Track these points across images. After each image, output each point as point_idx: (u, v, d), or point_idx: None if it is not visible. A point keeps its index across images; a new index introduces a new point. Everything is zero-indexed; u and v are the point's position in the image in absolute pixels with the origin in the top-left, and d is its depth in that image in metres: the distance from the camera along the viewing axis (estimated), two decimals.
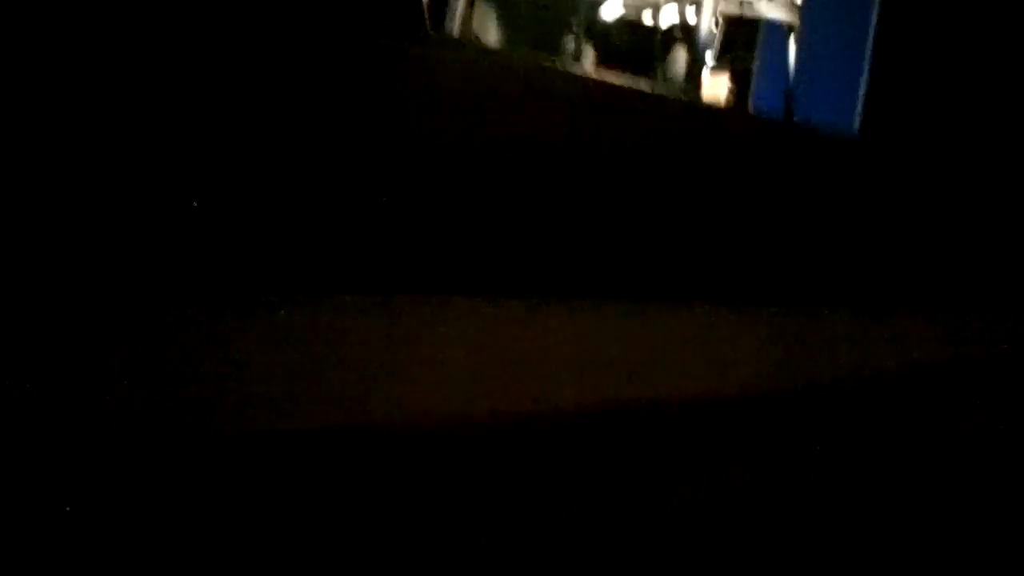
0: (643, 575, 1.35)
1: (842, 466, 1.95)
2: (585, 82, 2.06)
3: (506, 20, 4.19)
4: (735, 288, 2.19)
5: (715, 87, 3.77)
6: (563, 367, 1.90)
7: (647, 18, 3.82)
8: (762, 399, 2.17)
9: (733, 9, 3.63)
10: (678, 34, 3.80)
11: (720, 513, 1.58)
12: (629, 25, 3.91)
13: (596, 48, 3.90)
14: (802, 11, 3.56)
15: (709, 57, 3.68)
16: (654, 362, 2.11)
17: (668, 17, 3.76)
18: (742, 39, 4.32)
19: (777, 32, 3.81)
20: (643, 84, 3.64)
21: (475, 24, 3.93)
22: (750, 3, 3.59)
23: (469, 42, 3.61)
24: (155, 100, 1.50)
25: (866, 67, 3.44)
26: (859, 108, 3.38)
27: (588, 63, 3.76)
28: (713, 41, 3.70)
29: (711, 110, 2.70)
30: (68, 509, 1.12)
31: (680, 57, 3.73)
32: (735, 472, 1.80)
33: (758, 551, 1.44)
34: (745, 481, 1.75)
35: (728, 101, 3.82)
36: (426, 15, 3.15)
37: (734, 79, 4.08)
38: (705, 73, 3.66)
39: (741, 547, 1.44)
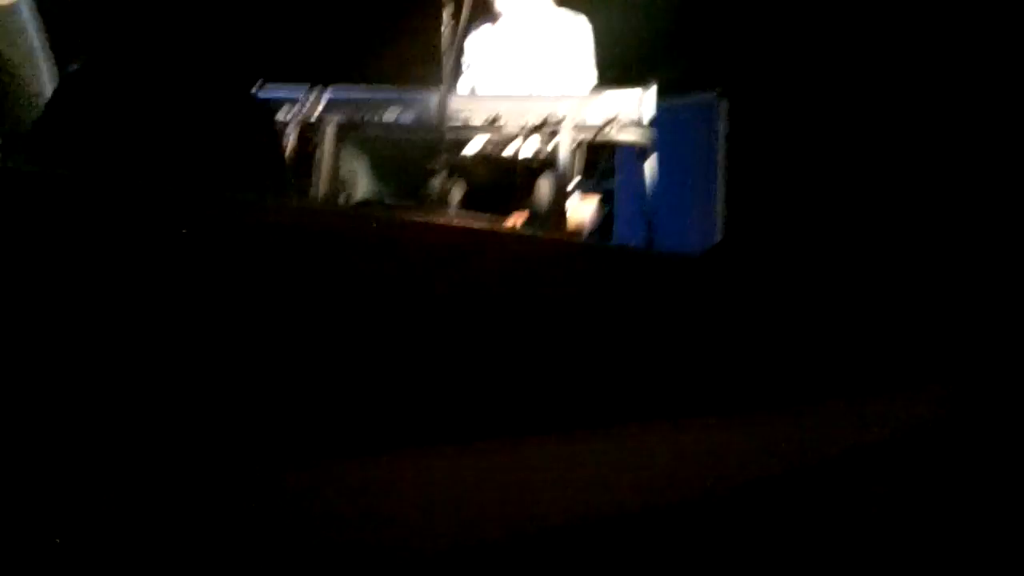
0: None
1: None
2: (440, 229, 2.07)
3: (373, 167, 4.26)
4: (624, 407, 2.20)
5: (580, 212, 3.88)
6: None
7: (508, 152, 3.93)
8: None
9: (588, 135, 3.77)
10: (540, 165, 3.92)
11: None
12: (492, 162, 4.03)
13: (463, 186, 3.99)
14: (653, 134, 3.72)
15: (573, 184, 3.79)
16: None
17: (529, 149, 3.88)
18: (605, 163, 4.48)
19: (631, 156, 3.97)
20: (508, 219, 3.72)
21: (342, 172, 3.98)
22: (605, 131, 3.72)
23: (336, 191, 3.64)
24: None
25: (719, 186, 3.61)
26: (718, 224, 3.53)
27: (455, 202, 3.83)
28: (574, 169, 3.83)
29: (562, 244, 2.78)
30: None
31: (545, 186, 3.84)
32: None
33: None
34: None
35: (594, 225, 3.93)
36: (286, 169, 3.17)
37: (602, 200, 4.21)
38: (572, 199, 3.77)
39: None
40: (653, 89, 3.65)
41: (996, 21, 3.83)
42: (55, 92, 2.99)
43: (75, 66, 2.77)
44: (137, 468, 1.37)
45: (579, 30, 4.08)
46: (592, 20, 4.15)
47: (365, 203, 4.24)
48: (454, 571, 1.70)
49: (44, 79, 3.05)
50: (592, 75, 4.09)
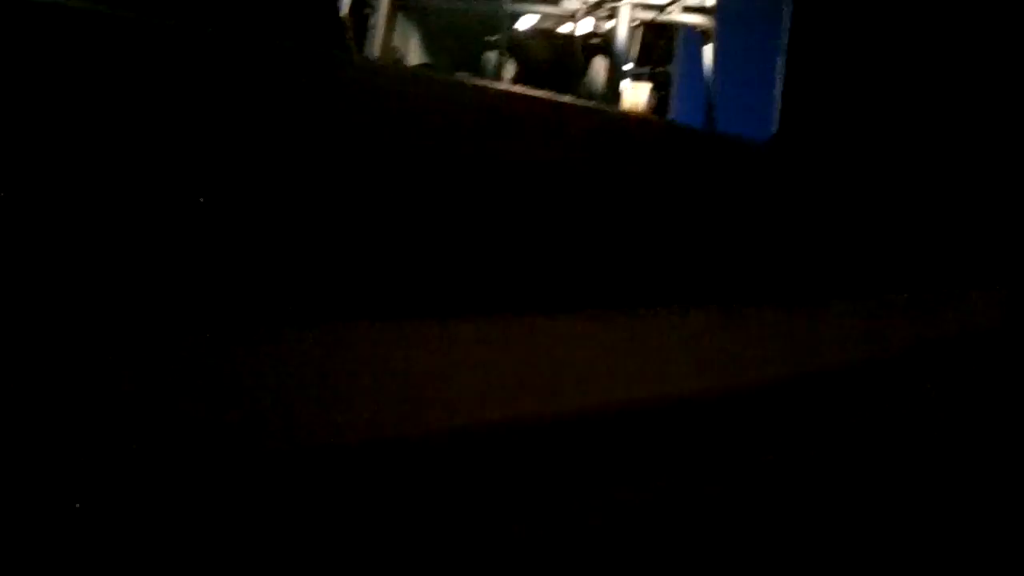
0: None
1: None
2: (501, 95, 2.05)
3: (427, 36, 4.19)
4: (681, 291, 2.21)
5: (636, 95, 3.81)
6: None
7: (564, 29, 3.85)
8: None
9: (649, 16, 3.67)
10: (596, 43, 3.83)
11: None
12: (547, 38, 3.94)
13: (517, 62, 3.91)
14: (717, 17, 3.61)
15: (628, 66, 3.71)
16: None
17: (584, 27, 3.79)
18: (662, 46, 4.38)
19: (693, 39, 3.87)
20: (563, 96, 3.66)
21: (396, 40, 3.92)
22: (667, 10, 3.63)
23: (390, 58, 3.60)
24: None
25: (780, 73, 3.52)
26: (776, 113, 3.45)
27: (508, 77, 3.77)
28: (631, 50, 3.74)
29: (627, 119, 2.73)
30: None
31: (600, 67, 3.76)
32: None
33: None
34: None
35: (650, 108, 3.86)
36: (348, 30, 3.13)
37: (656, 86, 4.13)
38: (625, 82, 3.70)
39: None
40: None
41: None
42: None
43: None
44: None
45: None
46: None
47: (421, 66, 4.17)
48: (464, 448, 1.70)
49: None
50: None
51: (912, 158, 3.63)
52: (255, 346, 1.54)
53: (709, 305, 2.36)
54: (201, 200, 1.48)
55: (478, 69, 3.83)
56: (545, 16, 3.84)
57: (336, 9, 3.04)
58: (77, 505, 1.25)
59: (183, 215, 1.45)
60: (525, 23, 4.00)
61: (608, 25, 3.69)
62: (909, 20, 3.96)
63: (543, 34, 3.92)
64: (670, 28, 3.84)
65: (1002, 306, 3.40)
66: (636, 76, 3.93)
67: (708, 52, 3.66)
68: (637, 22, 3.68)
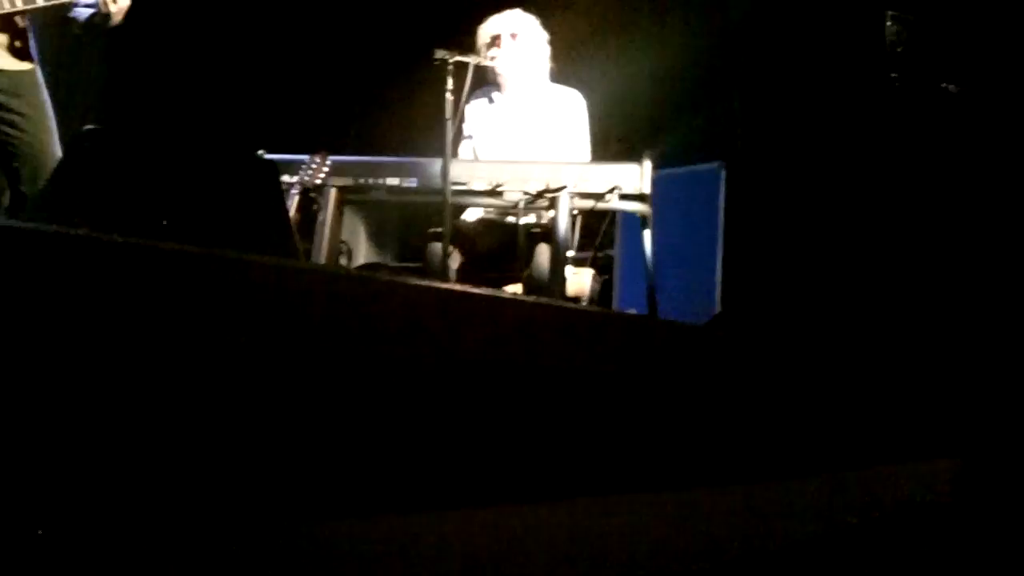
0: None
1: None
2: (445, 293, 2.06)
3: (374, 229, 4.28)
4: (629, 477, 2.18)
5: (579, 281, 3.89)
6: None
7: (509, 219, 3.95)
8: None
9: (588, 205, 3.80)
10: (539, 232, 3.93)
11: None
12: (491, 228, 4.04)
13: (462, 253, 3.99)
14: (653, 202, 3.74)
15: (571, 252, 3.80)
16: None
17: (527, 217, 3.90)
18: (603, 231, 4.51)
19: (632, 224, 4.00)
20: (508, 285, 3.72)
21: (344, 234, 4.00)
22: (605, 198, 3.75)
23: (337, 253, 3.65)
24: None
25: (719, 252, 3.63)
26: (717, 292, 3.54)
27: (455, 267, 3.83)
28: (573, 237, 3.84)
29: (568, 310, 2.78)
30: None
31: (544, 254, 3.85)
32: None
33: None
34: None
35: (593, 293, 3.93)
36: (293, 229, 3.20)
37: (599, 271, 4.22)
38: (569, 268, 3.78)
39: None
40: (652, 160, 3.69)
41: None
42: (67, 151, 3.04)
43: (88, 127, 2.82)
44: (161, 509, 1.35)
45: (574, 105, 4.14)
46: (592, 94, 4.21)
47: (366, 266, 4.25)
48: None
49: (54, 139, 3.11)
50: (587, 149, 4.14)
51: (860, 328, 3.70)
52: None
53: (648, 490, 2.34)
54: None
55: (424, 260, 3.92)
56: (488, 207, 3.95)
57: (283, 209, 3.10)
58: None
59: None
60: (469, 215, 4.11)
61: (550, 214, 3.80)
62: (847, 192, 4.12)
63: (487, 225, 4.03)
64: (610, 213, 3.97)
65: (952, 479, 3.41)
66: (579, 262, 4.02)
67: (647, 236, 3.76)
68: (577, 211, 3.80)
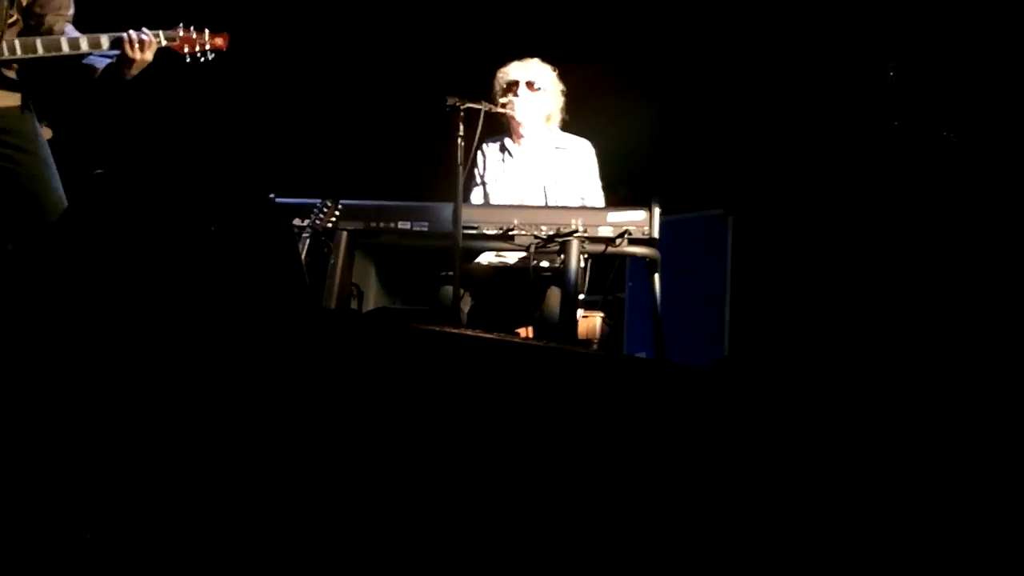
0: None
1: None
2: (455, 338, 2.10)
3: (385, 273, 4.32)
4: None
5: (588, 325, 3.91)
6: None
7: (520, 263, 3.99)
8: None
9: (598, 250, 3.83)
10: (550, 275, 3.97)
11: None
12: (502, 272, 4.07)
13: (472, 296, 4.03)
14: (661, 246, 3.78)
15: (581, 296, 3.83)
16: None
17: (540, 260, 3.94)
18: (612, 276, 4.54)
19: (641, 268, 4.03)
20: (519, 328, 3.74)
21: (356, 277, 4.05)
22: (615, 243, 3.79)
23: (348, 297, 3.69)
24: None
25: (727, 296, 3.66)
26: (726, 336, 3.56)
27: (466, 311, 3.86)
28: (582, 281, 3.87)
29: (576, 355, 2.80)
30: None
31: (554, 298, 3.88)
32: None
33: None
34: None
35: (602, 336, 3.95)
36: (303, 271, 3.23)
37: (609, 314, 4.25)
38: (579, 312, 3.81)
39: None
40: (660, 206, 3.73)
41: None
42: (77, 195, 3.07)
43: (97, 171, 2.86)
44: None
45: (585, 153, 4.20)
46: (602, 141, 4.27)
47: (377, 311, 4.28)
48: None
49: (55, 175, 3.10)
50: (600, 196, 4.19)
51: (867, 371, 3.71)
52: None
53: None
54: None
55: (436, 303, 3.95)
56: (499, 251, 3.99)
57: (295, 252, 3.14)
58: None
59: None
60: (482, 258, 4.16)
61: (560, 258, 3.84)
62: (851, 237, 4.14)
63: (497, 269, 4.06)
64: (619, 257, 4.01)
65: None
66: (589, 304, 4.05)
67: (656, 281, 3.80)
68: (587, 255, 3.84)
